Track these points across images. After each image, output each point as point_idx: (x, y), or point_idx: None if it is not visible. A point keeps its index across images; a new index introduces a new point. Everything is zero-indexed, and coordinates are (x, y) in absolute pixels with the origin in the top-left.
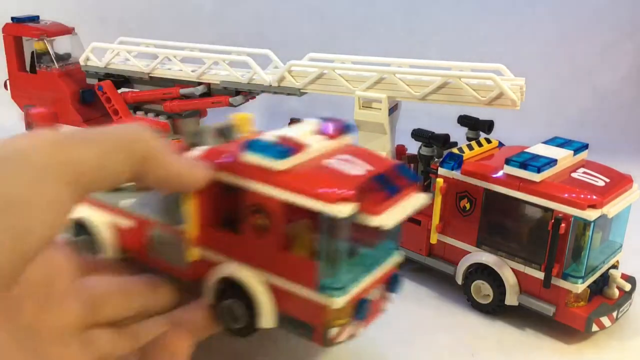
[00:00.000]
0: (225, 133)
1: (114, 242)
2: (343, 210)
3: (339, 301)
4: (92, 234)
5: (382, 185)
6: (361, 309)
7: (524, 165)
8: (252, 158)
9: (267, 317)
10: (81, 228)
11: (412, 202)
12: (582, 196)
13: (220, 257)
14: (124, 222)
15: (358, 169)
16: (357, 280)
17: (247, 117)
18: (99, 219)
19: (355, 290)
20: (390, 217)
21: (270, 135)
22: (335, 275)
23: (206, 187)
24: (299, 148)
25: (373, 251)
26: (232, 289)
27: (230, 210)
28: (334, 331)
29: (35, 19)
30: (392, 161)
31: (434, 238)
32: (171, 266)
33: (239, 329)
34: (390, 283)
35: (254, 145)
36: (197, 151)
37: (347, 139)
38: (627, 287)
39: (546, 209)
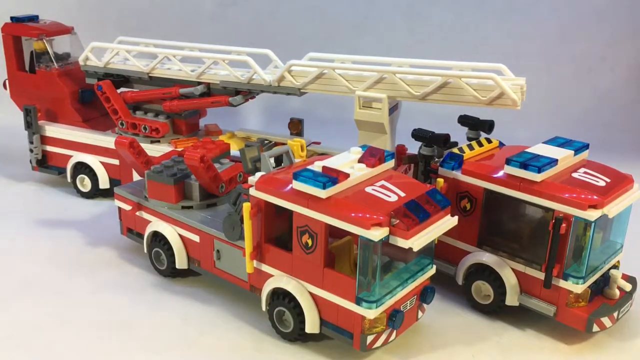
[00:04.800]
0: (281, 159)
1: (185, 252)
2: (376, 233)
3: (374, 312)
4: (168, 244)
5: (413, 211)
6: (395, 319)
7: (524, 165)
8: (301, 186)
9: (312, 323)
10: (159, 239)
11: (442, 225)
12: (582, 196)
13: (274, 270)
14: (193, 236)
15: (392, 195)
16: (392, 293)
17: (302, 144)
18: (173, 232)
19: (389, 302)
20: (419, 239)
21: (317, 165)
22: (371, 289)
23: (262, 210)
24: (341, 178)
25: (408, 266)
26: (283, 298)
27: (282, 230)
28: (370, 338)
29: (34, 18)
30: (425, 187)
31: None
32: (234, 276)
33: (287, 332)
34: (424, 294)
35: (301, 175)
36: (257, 177)
37: (386, 167)
38: (628, 287)
39: (547, 209)
